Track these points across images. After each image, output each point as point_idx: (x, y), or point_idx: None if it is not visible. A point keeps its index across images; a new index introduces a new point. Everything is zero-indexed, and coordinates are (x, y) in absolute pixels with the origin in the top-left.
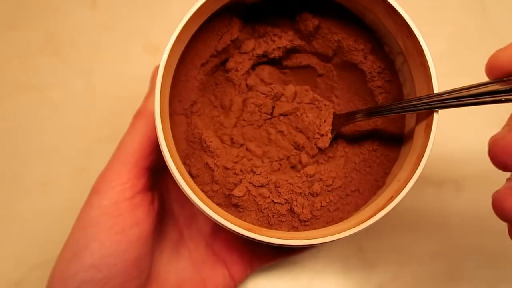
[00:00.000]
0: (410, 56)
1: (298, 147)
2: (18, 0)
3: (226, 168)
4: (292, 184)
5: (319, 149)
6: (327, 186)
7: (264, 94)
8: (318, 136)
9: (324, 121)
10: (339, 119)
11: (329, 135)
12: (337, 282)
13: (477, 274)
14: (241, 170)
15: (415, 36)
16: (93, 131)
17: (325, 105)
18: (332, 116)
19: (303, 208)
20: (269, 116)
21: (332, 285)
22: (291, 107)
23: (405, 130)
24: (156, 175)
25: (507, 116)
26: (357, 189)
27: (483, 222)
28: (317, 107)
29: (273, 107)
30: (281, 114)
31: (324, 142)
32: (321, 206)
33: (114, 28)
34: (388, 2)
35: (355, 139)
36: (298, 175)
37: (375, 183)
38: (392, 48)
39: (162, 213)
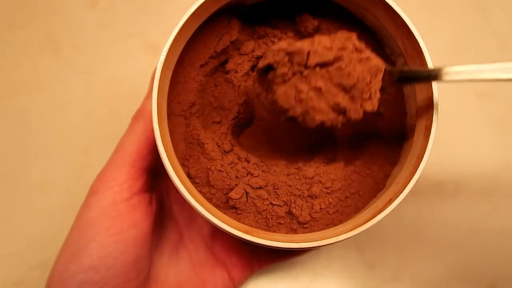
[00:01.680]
0: (410, 57)
1: (339, 110)
2: (18, 0)
3: (221, 171)
4: (291, 186)
5: (365, 113)
6: (326, 188)
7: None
8: (367, 96)
9: (375, 76)
10: (389, 77)
11: (378, 95)
12: (337, 283)
13: (477, 274)
14: (236, 176)
15: (415, 37)
16: (93, 131)
17: (369, 57)
18: (383, 71)
19: (301, 210)
20: (302, 68)
21: (332, 285)
22: (333, 54)
23: (406, 132)
24: (155, 176)
25: (506, 117)
26: (357, 191)
27: (483, 222)
28: (366, 57)
29: (308, 54)
30: (318, 65)
31: (373, 105)
32: (320, 208)
33: (114, 28)
34: (388, 4)
35: (355, 141)
36: (297, 177)
37: (375, 186)
38: (393, 50)
39: (161, 214)
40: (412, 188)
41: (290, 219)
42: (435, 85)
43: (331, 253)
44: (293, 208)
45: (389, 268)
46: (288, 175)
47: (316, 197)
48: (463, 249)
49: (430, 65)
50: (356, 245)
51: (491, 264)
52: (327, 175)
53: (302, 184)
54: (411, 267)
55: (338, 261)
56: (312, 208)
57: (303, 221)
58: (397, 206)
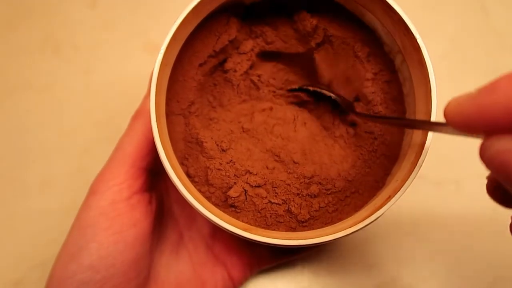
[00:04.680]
0: (408, 54)
1: None
2: (18, 0)
3: (220, 170)
4: (290, 185)
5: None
6: (326, 189)
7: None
8: None
9: None
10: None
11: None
12: (337, 282)
13: (477, 274)
14: (235, 175)
15: (412, 33)
16: (93, 131)
17: None
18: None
19: (300, 208)
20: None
21: (332, 285)
22: None
23: (405, 131)
24: (155, 176)
25: None
26: (357, 190)
27: (483, 222)
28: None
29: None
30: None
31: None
32: (319, 207)
33: (114, 28)
34: (385, 1)
35: (355, 140)
36: (296, 176)
37: (375, 184)
38: (391, 48)
39: (161, 214)
40: (412, 188)
41: (289, 217)
42: (434, 84)
43: (331, 252)
44: (292, 206)
45: (389, 268)
46: (288, 173)
47: (315, 196)
48: (463, 249)
49: (429, 62)
50: (356, 245)
51: (491, 264)
52: (326, 174)
53: (300, 183)
54: (411, 267)
55: (338, 261)
56: (311, 206)
57: (302, 220)
58: (397, 206)
